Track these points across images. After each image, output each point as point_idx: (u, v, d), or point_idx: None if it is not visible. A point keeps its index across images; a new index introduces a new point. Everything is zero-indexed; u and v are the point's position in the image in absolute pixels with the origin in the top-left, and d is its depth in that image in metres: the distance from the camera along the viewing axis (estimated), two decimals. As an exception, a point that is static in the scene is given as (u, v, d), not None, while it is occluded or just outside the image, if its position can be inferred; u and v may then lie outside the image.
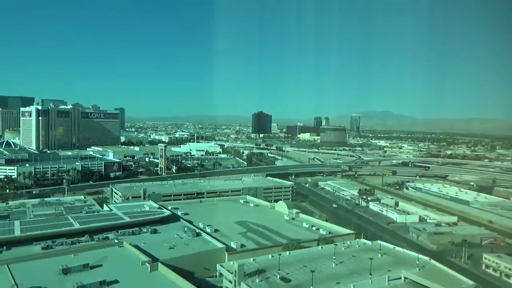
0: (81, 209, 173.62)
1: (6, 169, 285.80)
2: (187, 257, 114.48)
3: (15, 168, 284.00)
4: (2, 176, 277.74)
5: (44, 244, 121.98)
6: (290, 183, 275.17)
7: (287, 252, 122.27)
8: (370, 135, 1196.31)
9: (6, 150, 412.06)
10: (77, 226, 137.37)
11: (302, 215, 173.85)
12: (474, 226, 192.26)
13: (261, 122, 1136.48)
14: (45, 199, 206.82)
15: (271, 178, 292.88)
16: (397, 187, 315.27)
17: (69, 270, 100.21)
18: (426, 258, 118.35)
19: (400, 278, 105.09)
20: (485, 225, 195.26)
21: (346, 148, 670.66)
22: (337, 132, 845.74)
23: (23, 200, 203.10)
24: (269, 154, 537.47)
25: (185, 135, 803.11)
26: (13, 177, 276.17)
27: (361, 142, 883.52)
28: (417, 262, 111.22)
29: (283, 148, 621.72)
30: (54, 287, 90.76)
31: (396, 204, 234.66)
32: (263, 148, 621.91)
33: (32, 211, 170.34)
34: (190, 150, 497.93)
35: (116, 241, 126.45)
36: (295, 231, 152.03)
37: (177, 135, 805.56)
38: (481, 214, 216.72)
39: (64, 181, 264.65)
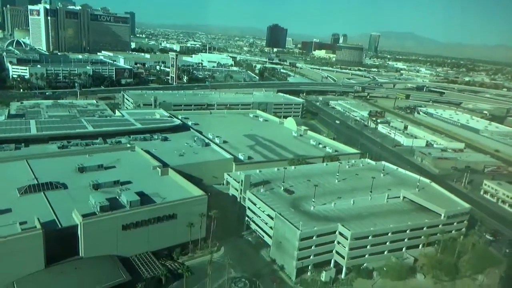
0: (94, 113, 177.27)
1: (18, 69, 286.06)
2: (196, 165, 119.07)
3: (27, 68, 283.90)
4: (15, 76, 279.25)
5: (60, 144, 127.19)
6: (300, 100, 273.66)
7: (293, 167, 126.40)
8: (388, 56, 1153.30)
9: (17, 49, 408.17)
10: (91, 129, 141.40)
11: (310, 133, 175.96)
12: (480, 154, 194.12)
13: (275, 36, 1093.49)
14: (59, 101, 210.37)
15: (282, 94, 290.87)
16: (408, 111, 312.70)
17: (84, 169, 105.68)
18: (427, 180, 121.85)
19: (399, 197, 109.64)
20: (491, 153, 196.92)
21: (362, 68, 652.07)
22: (354, 51, 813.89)
23: (37, 101, 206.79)
24: (281, 70, 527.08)
25: (197, 45, 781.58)
26: (25, 77, 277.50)
27: (377, 63, 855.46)
28: (418, 183, 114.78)
29: (297, 64, 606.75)
30: (71, 183, 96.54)
31: (405, 127, 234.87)
32: (276, 63, 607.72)
33: (47, 112, 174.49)
34: (202, 60, 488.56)
35: (128, 145, 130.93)
36: (302, 147, 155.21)
37: (188, 45, 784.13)
38: (489, 142, 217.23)
39: (76, 84, 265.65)
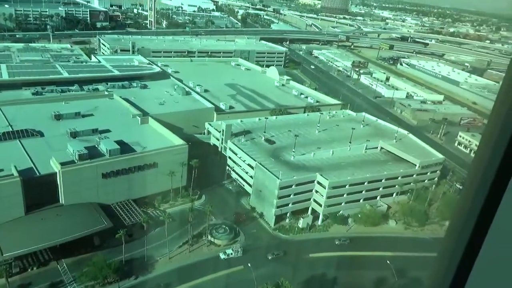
0: (69, 58, 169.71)
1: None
2: (176, 114, 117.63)
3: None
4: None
5: (34, 90, 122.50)
6: (283, 48, 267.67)
7: (274, 117, 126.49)
8: (374, 4, 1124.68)
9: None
10: (66, 75, 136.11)
11: (292, 83, 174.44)
12: (458, 106, 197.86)
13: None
14: (30, 44, 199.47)
15: (264, 42, 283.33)
16: (391, 62, 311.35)
17: (61, 116, 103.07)
18: (405, 132, 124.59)
19: (376, 147, 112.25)
20: (468, 105, 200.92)
21: (347, 16, 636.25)
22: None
23: (7, 44, 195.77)
24: (265, 16, 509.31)
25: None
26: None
27: (363, 11, 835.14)
28: (396, 135, 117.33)
29: (281, 11, 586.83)
30: (48, 131, 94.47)
31: (387, 79, 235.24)
32: (259, 9, 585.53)
33: (18, 56, 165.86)
34: (182, 4, 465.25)
35: (106, 93, 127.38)
36: (284, 97, 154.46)
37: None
38: (468, 95, 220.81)
39: (48, 27, 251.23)
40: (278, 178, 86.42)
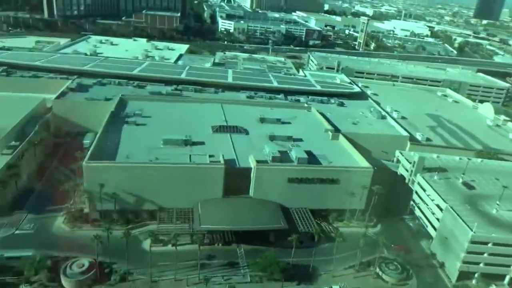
0: (281, 70, 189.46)
1: (226, 23, 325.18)
2: (368, 136, 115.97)
3: (233, 23, 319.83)
4: (223, 29, 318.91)
5: (248, 94, 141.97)
6: (506, 84, 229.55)
7: (479, 159, 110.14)
8: None
9: (227, 5, 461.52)
10: (275, 84, 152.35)
11: (511, 124, 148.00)
12: None
13: (487, 6, 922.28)
14: (253, 55, 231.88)
15: (482, 74, 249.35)
16: None
17: (265, 120, 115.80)
18: None
19: None
20: None
21: None
22: None
23: (236, 53, 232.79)
24: (487, 46, 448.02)
25: (392, 11, 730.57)
26: (230, 31, 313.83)
27: None
28: None
29: (510, 42, 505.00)
30: (252, 130, 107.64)
31: None
32: (482, 38, 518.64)
33: (242, 64, 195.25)
34: (394, 28, 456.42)
35: (305, 105, 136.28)
36: (496, 139, 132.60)
37: (382, 10, 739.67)
38: None
39: (270, 41, 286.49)
40: (471, 230, 74.82)
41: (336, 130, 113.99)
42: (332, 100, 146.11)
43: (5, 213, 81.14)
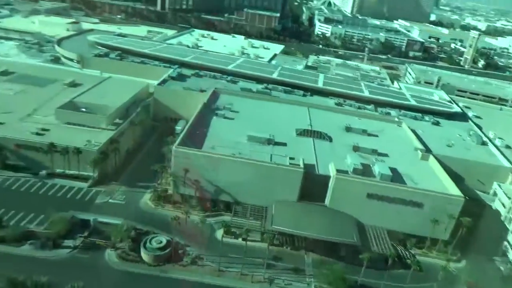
0: (374, 80, 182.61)
1: (323, 27, 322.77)
2: (463, 162, 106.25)
3: (330, 27, 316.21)
4: (319, 33, 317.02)
5: (337, 100, 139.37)
6: None
7: None
8: None
9: (326, 9, 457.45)
10: (366, 94, 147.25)
11: None
12: None
13: None
14: (347, 61, 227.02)
15: None
16: None
17: (350, 129, 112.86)
18: None
19: None
20: None
21: None
22: None
23: (330, 58, 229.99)
24: None
25: (509, 26, 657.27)
26: (326, 35, 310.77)
27: None
28: None
29: None
30: (336, 138, 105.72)
31: None
32: None
33: (335, 69, 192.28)
34: (510, 46, 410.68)
35: (396, 119, 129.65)
36: None
37: (498, 25, 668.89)
38: None
39: (366, 49, 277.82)
40: None
41: (427, 150, 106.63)
42: (427, 118, 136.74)
43: (103, 182, 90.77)
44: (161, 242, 73.67)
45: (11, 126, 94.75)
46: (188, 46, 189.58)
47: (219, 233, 78.97)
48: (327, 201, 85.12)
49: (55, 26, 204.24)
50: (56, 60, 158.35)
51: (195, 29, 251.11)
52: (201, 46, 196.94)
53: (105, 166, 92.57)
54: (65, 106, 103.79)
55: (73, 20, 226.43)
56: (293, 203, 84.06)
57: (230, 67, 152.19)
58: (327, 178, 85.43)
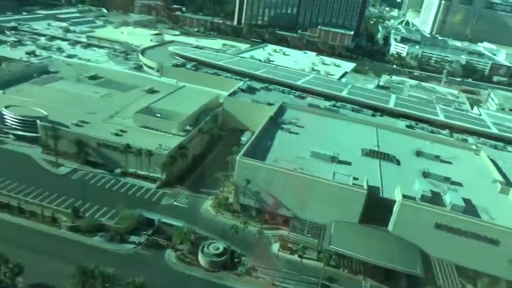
0: (451, 103, 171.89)
1: (399, 47, 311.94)
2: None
3: (406, 47, 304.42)
4: (394, 52, 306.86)
5: (408, 123, 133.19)
6: None
7: None
8: None
9: (404, 28, 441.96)
10: (441, 118, 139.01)
11: None
12: None
13: None
14: (422, 83, 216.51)
15: None
16: None
17: (421, 154, 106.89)
18: None
19: None
20: None
21: None
22: None
23: (404, 78, 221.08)
24: None
25: None
26: (402, 55, 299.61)
27: None
28: None
29: None
30: (405, 162, 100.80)
31: None
32: None
33: (408, 91, 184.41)
34: None
35: (474, 147, 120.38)
36: None
37: None
38: None
39: (445, 71, 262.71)
40: None
41: (508, 183, 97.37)
42: (510, 148, 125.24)
43: (170, 185, 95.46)
44: (218, 248, 75.27)
45: (94, 126, 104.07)
46: (260, 60, 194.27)
47: (275, 247, 78.84)
48: (390, 226, 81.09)
49: (141, 37, 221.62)
50: (139, 68, 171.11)
51: (268, 44, 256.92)
52: (272, 61, 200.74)
53: (172, 170, 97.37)
54: (142, 110, 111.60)
55: (157, 31, 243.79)
56: (353, 225, 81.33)
57: (299, 83, 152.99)
58: (392, 202, 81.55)
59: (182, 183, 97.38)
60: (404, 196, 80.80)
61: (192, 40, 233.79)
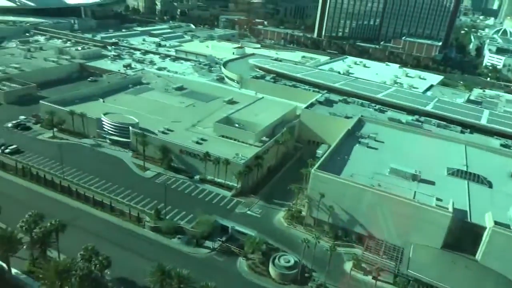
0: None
1: (494, 58, 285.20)
2: None
3: (503, 58, 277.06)
4: (489, 64, 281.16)
5: (503, 141, 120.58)
6: None
7: None
8: None
9: (501, 38, 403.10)
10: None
11: None
12: None
13: None
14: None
15: None
16: None
17: None
18: None
19: None
20: None
21: None
22: None
23: (499, 93, 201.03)
24: None
25: None
26: (497, 67, 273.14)
27: None
28: None
29: None
30: (498, 185, 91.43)
31: None
32: None
33: (504, 106, 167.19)
34: None
35: None
36: None
37: None
38: None
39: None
40: None
41: None
42: None
43: (244, 194, 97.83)
44: (289, 261, 74.95)
45: (178, 133, 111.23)
46: (339, 73, 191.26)
47: (348, 265, 76.20)
48: (478, 255, 73.79)
49: (224, 50, 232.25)
50: (221, 79, 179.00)
51: (348, 56, 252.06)
52: (352, 73, 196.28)
53: (247, 179, 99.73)
54: (222, 120, 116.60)
55: (239, 45, 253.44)
56: (435, 250, 75.56)
57: (379, 96, 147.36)
58: (481, 229, 74.23)
59: (256, 193, 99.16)
60: (496, 222, 73.04)
61: (272, 53, 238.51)
